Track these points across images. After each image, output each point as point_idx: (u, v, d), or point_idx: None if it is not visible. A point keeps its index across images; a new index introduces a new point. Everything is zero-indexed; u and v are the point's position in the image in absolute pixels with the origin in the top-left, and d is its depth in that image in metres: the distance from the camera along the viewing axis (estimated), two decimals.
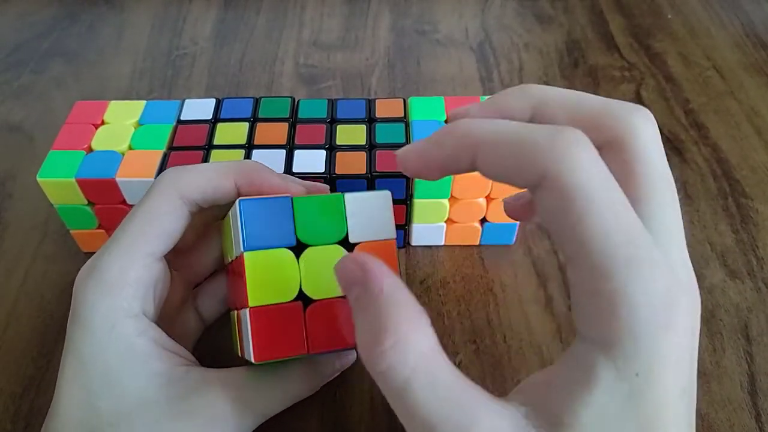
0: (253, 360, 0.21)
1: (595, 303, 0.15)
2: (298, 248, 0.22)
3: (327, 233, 0.22)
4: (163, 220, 0.22)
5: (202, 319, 0.27)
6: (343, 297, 0.21)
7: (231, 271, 0.24)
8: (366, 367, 0.17)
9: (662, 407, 0.16)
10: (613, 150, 0.17)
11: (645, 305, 0.15)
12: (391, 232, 0.22)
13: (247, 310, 0.21)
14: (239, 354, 0.23)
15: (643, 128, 0.17)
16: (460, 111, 0.20)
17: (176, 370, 0.21)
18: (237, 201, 0.21)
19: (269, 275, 0.21)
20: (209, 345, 0.27)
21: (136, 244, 0.22)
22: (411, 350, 0.16)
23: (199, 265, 0.26)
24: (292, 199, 0.22)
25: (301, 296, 0.22)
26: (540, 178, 0.16)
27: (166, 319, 0.25)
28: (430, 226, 0.32)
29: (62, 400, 0.21)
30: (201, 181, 0.23)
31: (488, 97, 0.21)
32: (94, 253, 0.33)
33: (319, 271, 0.22)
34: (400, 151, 0.20)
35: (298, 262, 0.22)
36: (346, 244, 0.22)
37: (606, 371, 0.15)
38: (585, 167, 0.15)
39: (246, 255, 0.21)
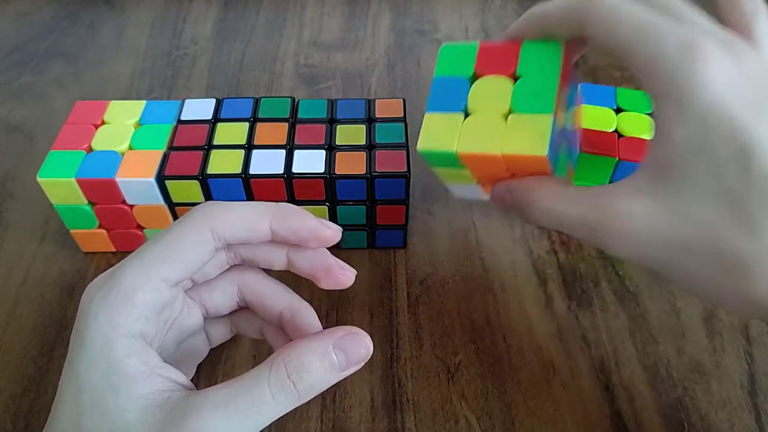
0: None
1: (643, 68, 0.21)
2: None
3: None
4: (186, 250, 0.22)
5: (209, 341, 0.26)
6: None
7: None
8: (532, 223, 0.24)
9: (735, 119, 0.19)
10: None
11: (667, 54, 0.20)
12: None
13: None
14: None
15: None
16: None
17: (160, 395, 0.20)
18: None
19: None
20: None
21: (151, 267, 0.21)
22: (545, 189, 0.23)
23: (216, 300, 0.25)
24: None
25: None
26: (581, 18, 0.22)
27: (175, 342, 0.24)
28: None
29: (57, 415, 0.21)
30: (236, 220, 0.22)
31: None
32: (95, 253, 0.33)
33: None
34: (511, 30, 0.27)
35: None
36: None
37: (672, 110, 0.20)
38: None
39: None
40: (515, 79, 0.25)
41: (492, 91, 0.25)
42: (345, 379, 0.28)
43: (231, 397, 0.20)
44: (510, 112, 0.24)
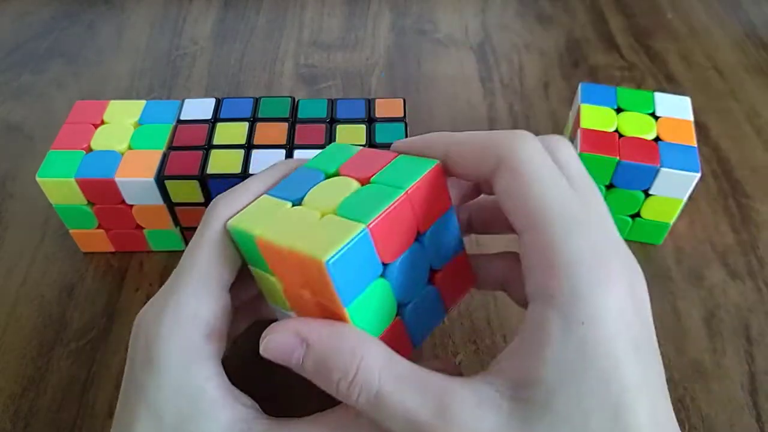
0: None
1: (537, 259, 0.18)
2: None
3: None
4: (228, 246, 0.21)
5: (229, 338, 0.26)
6: None
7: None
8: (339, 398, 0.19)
9: (617, 359, 0.16)
10: (504, 170, 0.19)
11: (579, 256, 0.17)
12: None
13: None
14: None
15: (523, 148, 0.19)
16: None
17: (240, 424, 0.20)
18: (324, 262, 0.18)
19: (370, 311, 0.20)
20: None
21: (209, 274, 0.20)
22: (373, 364, 0.18)
23: (249, 294, 0.25)
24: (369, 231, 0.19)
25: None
26: (497, 163, 0.19)
27: None
28: None
29: None
30: (250, 198, 0.22)
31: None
32: (94, 253, 0.33)
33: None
34: (395, 143, 0.22)
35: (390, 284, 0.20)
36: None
37: (555, 323, 0.17)
38: (531, 151, 0.19)
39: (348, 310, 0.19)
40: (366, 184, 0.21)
41: (333, 191, 0.21)
42: None
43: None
44: (333, 212, 0.20)
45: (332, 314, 0.19)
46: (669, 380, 0.28)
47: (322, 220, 0.19)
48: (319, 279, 0.18)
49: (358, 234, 0.18)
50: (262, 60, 0.46)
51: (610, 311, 0.17)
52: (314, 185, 0.21)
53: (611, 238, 0.18)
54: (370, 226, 0.18)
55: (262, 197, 0.22)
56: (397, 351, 0.19)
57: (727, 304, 0.31)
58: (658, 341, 0.27)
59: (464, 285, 0.24)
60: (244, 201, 0.22)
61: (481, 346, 0.29)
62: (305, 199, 0.21)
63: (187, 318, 0.20)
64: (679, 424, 0.27)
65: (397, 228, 0.19)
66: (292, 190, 0.22)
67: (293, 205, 0.21)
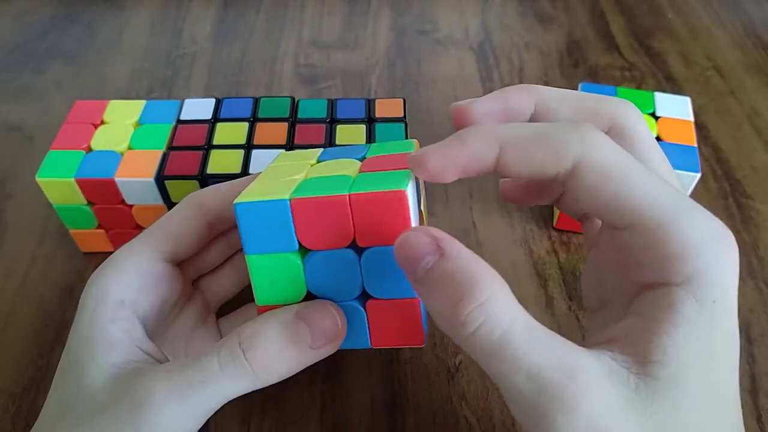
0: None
1: (666, 250, 0.17)
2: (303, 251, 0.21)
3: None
4: (174, 222, 0.23)
5: (219, 333, 0.27)
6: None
7: None
8: (450, 334, 0.17)
9: (731, 336, 0.18)
10: (615, 134, 0.20)
11: (708, 240, 0.17)
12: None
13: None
14: None
15: (633, 114, 0.21)
16: (463, 103, 0.21)
17: (131, 365, 0.20)
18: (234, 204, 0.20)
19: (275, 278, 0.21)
20: None
21: (144, 240, 0.23)
22: (506, 303, 0.17)
23: (220, 285, 0.27)
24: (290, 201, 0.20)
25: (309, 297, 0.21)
26: (573, 166, 0.18)
27: (181, 332, 0.25)
28: None
29: (53, 383, 0.21)
30: (221, 189, 0.24)
31: (493, 92, 0.22)
32: (94, 253, 0.33)
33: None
34: (416, 153, 0.19)
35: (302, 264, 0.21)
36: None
37: (688, 304, 0.17)
38: (612, 149, 0.18)
39: (248, 258, 0.20)
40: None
41: (336, 167, 0.22)
42: (345, 379, 0.28)
43: (182, 366, 0.19)
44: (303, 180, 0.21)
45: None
46: None
47: (286, 180, 0.21)
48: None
49: (278, 201, 0.19)
50: (261, 60, 0.46)
51: (734, 288, 0.18)
52: (340, 158, 0.23)
53: (712, 217, 0.18)
54: (293, 201, 0.19)
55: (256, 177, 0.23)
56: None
57: None
58: None
59: (402, 336, 0.22)
60: (216, 188, 0.24)
61: None
62: (320, 164, 0.23)
63: (110, 269, 0.22)
64: None
65: (324, 221, 0.20)
66: (333, 154, 0.24)
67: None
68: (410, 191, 0.20)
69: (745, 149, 0.39)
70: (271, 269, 0.20)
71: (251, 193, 0.20)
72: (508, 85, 0.43)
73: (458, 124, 0.21)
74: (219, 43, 0.47)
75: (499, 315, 0.17)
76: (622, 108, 0.21)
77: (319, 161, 0.23)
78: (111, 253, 0.32)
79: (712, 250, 0.17)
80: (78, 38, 0.48)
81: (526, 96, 0.21)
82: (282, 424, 0.27)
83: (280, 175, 0.22)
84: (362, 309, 0.21)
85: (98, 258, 0.33)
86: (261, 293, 0.21)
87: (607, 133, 0.20)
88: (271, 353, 0.19)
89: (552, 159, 0.18)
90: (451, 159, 0.19)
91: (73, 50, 0.47)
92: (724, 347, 0.17)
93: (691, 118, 0.33)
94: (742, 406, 0.27)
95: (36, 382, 0.28)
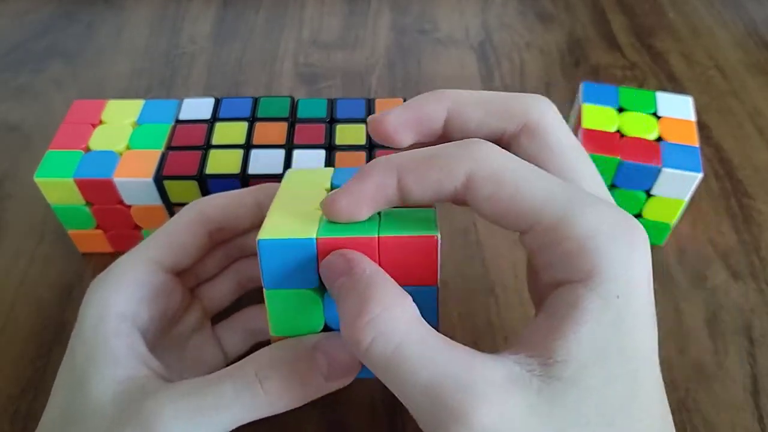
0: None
1: (565, 247, 0.17)
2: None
3: None
4: (175, 232, 0.23)
5: (224, 352, 0.26)
6: None
7: None
8: (352, 349, 0.17)
9: (640, 332, 0.17)
10: (527, 133, 0.20)
11: (610, 233, 0.17)
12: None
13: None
14: None
15: (547, 111, 0.20)
16: (378, 115, 0.21)
17: (136, 382, 0.20)
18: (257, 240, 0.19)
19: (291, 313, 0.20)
20: None
21: (144, 251, 0.22)
22: (399, 317, 0.17)
23: (218, 293, 0.27)
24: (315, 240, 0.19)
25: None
26: (467, 179, 0.18)
27: (177, 339, 0.25)
28: None
29: (54, 391, 0.21)
30: (222, 198, 0.24)
31: (406, 102, 0.22)
32: (93, 253, 0.33)
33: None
34: (326, 198, 0.19)
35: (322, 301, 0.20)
36: None
37: (591, 300, 0.17)
38: (501, 156, 0.18)
39: (266, 293, 0.20)
40: None
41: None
42: None
43: (192, 389, 0.19)
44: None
45: None
46: (671, 382, 0.28)
47: (306, 211, 0.20)
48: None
49: (305, 240, 0.19)
50: (261, 59, 0.46)
51: (641, 283, 0.17)
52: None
53: (617, 209, 0.18)
54: (319, 240, 0.19)
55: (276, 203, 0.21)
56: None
57: (729, 305, 0.31)
58: (660, 342, 0.27)
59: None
60: (216, 197, 0.24)
61: (482, 347, 0.29)
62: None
63: (110, 280, 0.22)
64: (681, 426, 0.27)
65: None
66: (345, 176, 0.22)
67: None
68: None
69: (747, 149, 0.39)
70: (289, 303, 0.20)
71: (273, 227, 0.19)
72: (509, 86, 0.43)
73: (376, 136, 0.21)
74: (218, 43, 0.47)
75: (392, 329, 0.16)
76: (535, 105, 0.20)
77: (332, 186, 0.22)
78: (110, 254, 0.33)
79: (612, 244, 0.17)
80: (77, 38, 0.48)
81: (436, 103, 0.21)
82: (281, 424, 0.27)
83: (297, 203, 0.21)
84: None
85: (97, 258, 0.33)
86: (277, 325, 0.20)
87: (519, 132, 0.20)
88: (288, 384, 0.19)
89: (446, 177, 0.18)
90: (358, 195, 0.19)
91: (72, 50, 0.47)
92: (635, 341, 0.17)
93: (693, 118, 0.32)
94: (743, 407, 0.27)
95: (34, 383, 0.28)
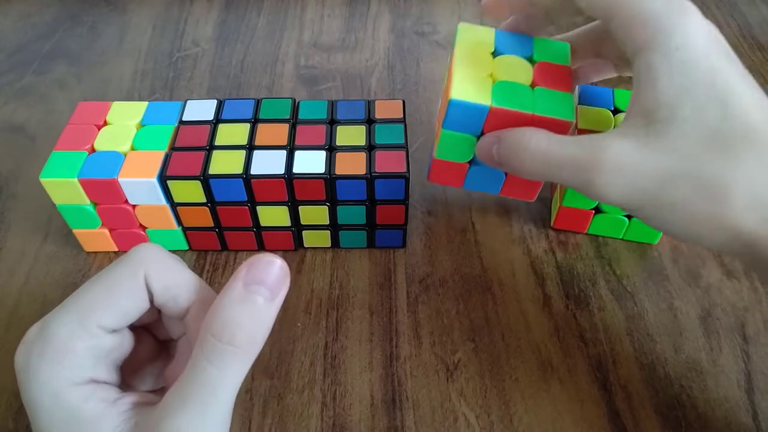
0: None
1: (624, 30, 0.24)
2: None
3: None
4: (120, 298, 0.21)
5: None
6: None
7: None
8: (516, 172, 0.27)
9: (714, 66, 0.22)
10: None
11: (663, 9, 0.23)
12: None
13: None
14: None
15: None
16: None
17: (128, 422, 0.20)
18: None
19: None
20: None
21: (87, 315, 0.20)
22: (540, 133, 0.26)
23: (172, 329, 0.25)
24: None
25: None
26: None
27: (158, 367, 0.24)
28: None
29: None
30: (167, 270, 0.22)
31: None
32: (97, 253, 0.34)
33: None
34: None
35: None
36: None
37: (655, 59, 0.23)
38: None
39: (442, 131, 0.29)
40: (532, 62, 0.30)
41: (516, 68, 0.29)
42: (345, 377, 0.28)
43: (186, 393, 0.19)
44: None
45: None
46: (665, 378, 0.28)
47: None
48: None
49: (482, 106, 0.27)
50: (263, 61, 0.46)
51: (697, 34, 0.23)
52: (511, 54, 0.30)
53: None
54: (492, 108, 0.27)
55: (456, 70, 0.28)
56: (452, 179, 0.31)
57: (723, 303, 0.31)
58: (653, 340, 0.27)
59: (522, 192, 0.32)
60: (161, 267, 0.21)
61: (479, 344, 0.30)
62: (495, 74, 0.28)
63: (54, 350, 0.20)
64: (676, 422, 0.27)
65: (506, 124, 0.27)
66: (504, 45, 0.30)
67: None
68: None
69: None
70: (456, 141, 0.29)
71: (459, 89, 0.27)
72: None
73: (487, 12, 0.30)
74: (220, 45, 0.48)
75: (540, 146, 0.26)
76: None
77: (495, 52, 0.30)
78: (114, 252, 0.33)
79: (665, 15, 0.23)
80: (81, 40, 0.48)
81: None
82: (282, 422, 0.27)
83: (472, 68, 0.28)
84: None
85: (101, 257, 0.33)
86: (442, 152, 0.30)
87: None
88: (248, 329, 0.20)
89: None
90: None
91: (76, 52, 0.47)
92: (708, 77, 0.22)
93: None
94: (738, 404, 0.28)
95: None
